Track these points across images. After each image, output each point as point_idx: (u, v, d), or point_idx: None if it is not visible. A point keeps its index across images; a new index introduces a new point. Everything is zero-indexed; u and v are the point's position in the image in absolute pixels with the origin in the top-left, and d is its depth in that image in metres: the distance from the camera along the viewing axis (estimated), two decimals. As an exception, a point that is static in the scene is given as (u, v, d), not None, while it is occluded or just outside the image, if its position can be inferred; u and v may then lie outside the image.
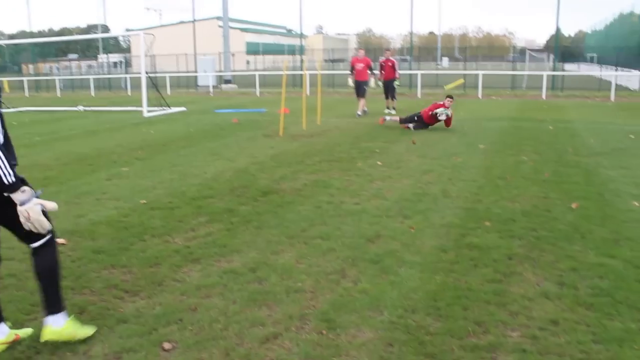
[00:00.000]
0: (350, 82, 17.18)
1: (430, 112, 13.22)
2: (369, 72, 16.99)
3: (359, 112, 16.82)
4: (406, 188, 7.37)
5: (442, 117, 13.14)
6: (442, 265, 4.67)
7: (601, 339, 3.44)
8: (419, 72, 28.43)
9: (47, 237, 3.40)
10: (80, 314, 3.91)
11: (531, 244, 5.16)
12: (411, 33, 33.85)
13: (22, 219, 3.19)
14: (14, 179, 3.11)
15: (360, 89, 16.98)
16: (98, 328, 3.69)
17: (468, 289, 4.18)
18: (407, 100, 23.89)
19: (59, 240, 5.42)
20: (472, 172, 8.35)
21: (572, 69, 50.61)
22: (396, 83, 18.00)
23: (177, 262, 4.85)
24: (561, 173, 8.19)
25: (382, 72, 17.93)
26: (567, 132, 12.70)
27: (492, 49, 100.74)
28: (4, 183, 3.09)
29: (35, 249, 3.41)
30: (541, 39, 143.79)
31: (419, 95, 26.09)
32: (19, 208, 3.17)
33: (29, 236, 3.35)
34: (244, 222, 5.93)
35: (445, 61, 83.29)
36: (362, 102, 16.95)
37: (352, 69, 17.05)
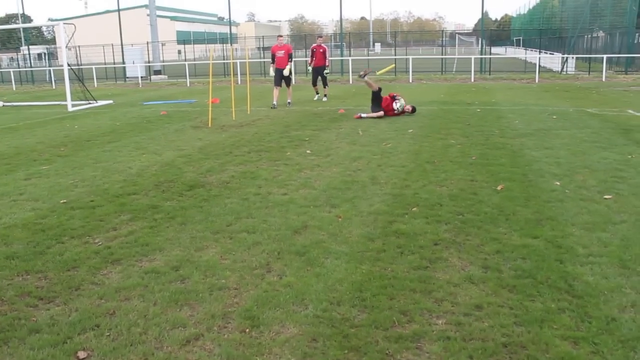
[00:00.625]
0: (272, 70, 16.54)
1: (392, 109, 13.13)
2: (289, 60, 16.29)
3: (275, 103, 16.00)
4: (335, 176, 7.33)
5: (408, 109, 13.15)
6: (368, 254, 4.64)
7: (523, 321, 3.48)
8: (351, 59, 28.53)
9: None
10: (-11, 326, 3.69)
11: (457, 228, 5.21)
12: (340, 19, 33.89)
13: None
14: None
15: (280, 77, 16.33)
16: (7, 340, 3.49)
17: (394, 277, 4.16)
18: (339, 86, 23.95)
19: (-31, 247, 5.13)
20: (401, 157, 8.39)
21: (499, 52, 51.90)
22: (326, 71, 17.88)
23: (96, 264, 4.65)
24: (488, 155, 8.32)
25: (313, 58, 17.83)
26: (494, 114, 12.97)
27: (423, 33, 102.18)
28: None
29: None
30: (470, 23, 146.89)
31: (350, 81, 26.18)
32: None
33: None
34: (168, 219, 5.75)
35: (377, 47, 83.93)
36: (276, 92, 16.24)
37: (273, 57, 16.40)
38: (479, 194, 6.30)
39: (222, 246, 4.94)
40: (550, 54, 32.85)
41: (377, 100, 13.18)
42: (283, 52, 16.20)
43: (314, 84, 18.06)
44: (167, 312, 3.76)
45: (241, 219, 5.65)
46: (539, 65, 26.29)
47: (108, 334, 3.52)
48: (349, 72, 27.09)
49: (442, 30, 51.47)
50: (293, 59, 17.05)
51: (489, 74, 28.05)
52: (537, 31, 37.91)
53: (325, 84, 17.88)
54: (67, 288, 4.22)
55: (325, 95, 17.78)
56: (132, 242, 5.13)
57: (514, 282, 4.01)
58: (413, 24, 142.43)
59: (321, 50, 17.79)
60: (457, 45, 45.98)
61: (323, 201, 6.19)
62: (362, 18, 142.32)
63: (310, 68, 17.86)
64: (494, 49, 49.34)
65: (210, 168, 8.07)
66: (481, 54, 31.20)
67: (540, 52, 32.08)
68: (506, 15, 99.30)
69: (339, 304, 3.77)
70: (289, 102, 16.50)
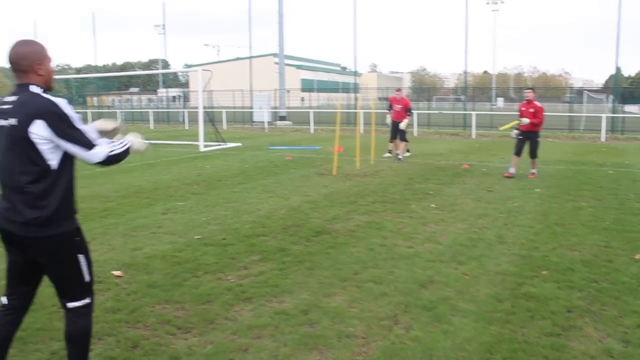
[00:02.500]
0: (389, 120, 15.95)
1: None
2: (407, 113, 15.60)
3: (399, 156, 15.49)
4: (460, 232, 7.26)
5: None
6: (497, 315, 4.55)
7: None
8: (474, 113, 28.24)
9: (85, 300, 3.28)
10: (133, 349, 3.98)
11: (592, 297, 4.99)
12: (465, 72, 33.77)
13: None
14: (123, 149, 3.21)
15: (395, 130, 15.73)
16: (151, 365, 3.74)
17: (525, 342, 4.05)
18: (461, 141, 23.75)
19: (116, 273, 5.57)
20: (528, 217, 8.17)
21: (633, 110, 49.36)
22: (402, 125, 15.75)
23: (229, 300, 4.88)
24: (623, 221, 7.92)
25: (391, 111, 16.27)
26: (628, 177, 12.34)
27: (548, 89, 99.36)
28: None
29: (70, 309, 3.26)
30: (599, 79, 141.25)
31: (473, 135, 25.87)
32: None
33: (66, 294, 3.25)
34: (296, 262, 5.94)
35: (500, 101, 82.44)
36: (401, 145, 15.79)
37: (390, 106, 15.93)
38: (615, 262, 6.00)
39: (349, 294, 5.02)
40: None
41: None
42: (400, 106, 15.63)
43: (393, 139, 16.38)
44: (297, 355, 3.87)
45: (367, 269, 5.73)
46: (679, 128, 24.74)
47: (242, 369, 3.68)
48: (471, 126, 26.79)
49: (570, 87, 49.85)
50: (412, 113, 16.40)
51: (622, 134, 26.72)
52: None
53: (403, 139, 16.34)
54: (203, 320, 4.46)
55: (408, 151, 16.82)
56: (263, 282, 5.34)
57: (657, 360, 3.79)
58: (538, 79, 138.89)
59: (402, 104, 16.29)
60: (585, 102, 44.20)
61: (449, 257, 6.15)
62: (485, 72, 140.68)
63: (389, 121, 16.11)
64: (627, 107, 47.01)
65: (336, 215, 8.25)
66: (613, 112, 29.86)
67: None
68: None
69: (468, 364, 3.72)
70: (398, 156, 15.57)
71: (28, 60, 3.08)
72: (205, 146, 19.29)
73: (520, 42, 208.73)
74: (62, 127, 2.98)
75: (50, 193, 3.05)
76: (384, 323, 4.39)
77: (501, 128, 17.22)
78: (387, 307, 4.71)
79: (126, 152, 3.20)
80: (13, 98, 3.07)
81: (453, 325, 4.33)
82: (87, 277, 3.25)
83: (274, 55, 69.07)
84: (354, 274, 5.56)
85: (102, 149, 3.08)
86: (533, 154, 12.49)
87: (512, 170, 12.42)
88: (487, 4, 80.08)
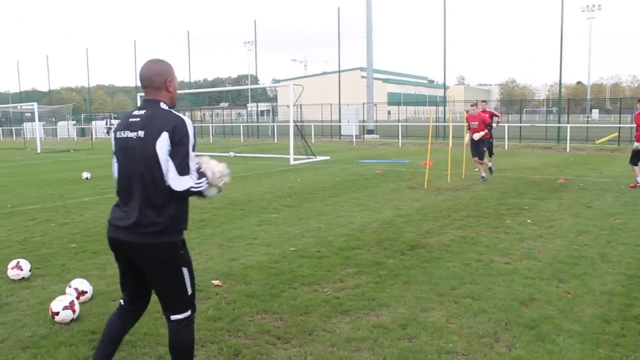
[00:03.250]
0: (467, 138, 14.55)
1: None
2: (487, 128, 14.12)
3: (483, 175, 14.06)
4: (560, 249, 7.02)
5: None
6: (605, 337, 4.36)
7: None
8: (569, 125, 27.27)
9: (187, 313, 3.34)
10: (236, 357, 4.09)
11: None
12: (560, 83, 32.67)
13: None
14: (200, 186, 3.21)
15: (476, 147, 14.24)
16: (254, 373, 3.83)
17: (637, 366, 3.87)
18: (556, 154, 22.98)
19: (215, 282, 5.75)
20: (634, 235, 7.78)
21: None
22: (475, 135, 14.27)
23: (327, 313, 4.93)
24: None
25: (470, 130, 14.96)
26: None
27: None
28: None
29: (173, 322, 3.33)
30: None
31: (567, 149, 24.96)
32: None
33: (170, 306, 3.33)
34: (392, 276, 5.93)
35: (595, 113, 79.20)
36: (478, 164, 14.31)
37: (469, 125, 14.36)
38: None
39: (447, 309, 4.96)
40: None
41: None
42: (477, 123, 14.02)
43: (474, 154, 14.70)
44: (398, 369, 3.86)
45: (465, 284, 5.64)
46: None
47: (343, 381, 3.71)
48: (566, 139, 25.85)
49: (674, 99, 47.11)
50: (494, 126, 14.90)
51: None
52: None
53: (491, 153, 15.68)
54: (302, 332, 4.53)
55: (490, 168, 15.19)
56: (359, 295, 5.36)
57: None
58: (637, 89, 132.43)
59: (487, 116, 15.03)
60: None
61: (549, 275, 5.95)
62: (579, 83, 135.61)
63: (467, 140, 14.74)
64: None
65: (430, 230, 8.17)
66: None
67: None
68: None
69: (577, 386, 3.59)
70: (485, 176, 14.07)
71: (162, 77, 3.27)
72: (295, 159, 19.61)
73: (617, 51, 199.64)
74: (179, 141, 3.12)
75: (166, 206, 3.17)
76: (484, 340, 4.31)
77: (598, 142, 16.55)
78: (486, 324, 4.62)
79: (200, 193, 3.22)
80: (142, 112, 3.24)
81: (558, 346, 4.19)
82: (189, 290, 3.32)
83: (361, 69, 69.40)
84: (451, 289, 5.49)
85: (189, 181, 3.14)
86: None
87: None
88: (583, 11, 77.44)
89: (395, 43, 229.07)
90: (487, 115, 15.95)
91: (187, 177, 3.12)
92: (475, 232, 8.04)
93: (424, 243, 7.37)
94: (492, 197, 11.18)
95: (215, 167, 3.27)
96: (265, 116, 67.28)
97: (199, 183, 3.17)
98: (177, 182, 3.11)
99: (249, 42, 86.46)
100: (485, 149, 14.37)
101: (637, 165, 12.58)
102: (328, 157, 21.44)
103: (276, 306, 5.12)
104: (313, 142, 31.66)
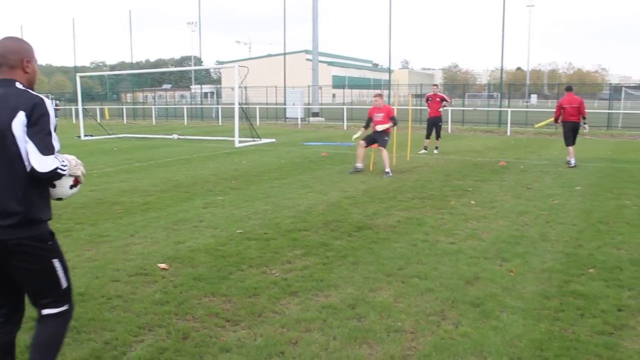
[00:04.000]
0: (358, 134, 13.26)
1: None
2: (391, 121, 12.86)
3: (358, 165, 12.87)
4: (502, 229, 7.20)
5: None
6: (546, 312, 4.51)
7: None
8: (509, 110, 27.92)
9: (64, 307, 3.09)
10: (184, 340, 4.04)
11: (643, 296, 4.90)
12: (502, 69, 33.37)
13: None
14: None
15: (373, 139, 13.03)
16: (202, 355, 3.80)
17: (576, 339, 4.01)
18: (497, 137, 23.52)
19: (161, 265, 5.65)
20: (571, 215, 8.06)
21: (673, 108, 48.21)
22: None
23: (276, 294, 4.92)
24: (670, 220, 7.77)
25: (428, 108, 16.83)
26: (672, 176, 12.07)
27: (584, 85, 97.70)
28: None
29: (46, 316, 3.05)
30: (637, 75, 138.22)
31: (508, 133, 25.58)
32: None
33: (41, 301, 3.05)
34: (339, 257, 5.96)
35: (533, 98, 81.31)
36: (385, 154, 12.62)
37: (369, 120, 13.21)
38: (664, 261, 5.89)
39: (395, 289, 5.03)
40: None
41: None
42: (382, 114, 12.89)
43: (428, 136, 16.86)
44: (347, 348, 3.89)
45: (411, 264, 5.72)
46: None
47: (293, 362, 3.71)
48: (507, 123, 26.48)
49: (609, 83, 48.96)
50: (396, 122, 13.06)
51: (662, 132, 26.17)
52: None
53: (438, 136, 16.89)
54: (251, 313, 4.51)
55: (436, 148, 16.81)
56: (307, 276, 5.36)
57: None
58: (573, 76, 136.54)
59: (438, 99, 16.79)
60: (622, 99, 43.33)
61: (493, 254, 6.10)
62: (518, 68, 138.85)
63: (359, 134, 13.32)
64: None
65: (376, 211, 8.25)
66: (653, 111, 29.25)
67: None
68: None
69: (520, 361, 3.70)
70: (359, 166, 12.88)
71: (17, 55, 2.96)
72: (240, 142, 19.44)
73: (555, 38, 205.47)
74: (37, 121, 2.81)
75: (27, 193, 2.87)
76: (431, 318, 4.39)
77: (536, 125, 17.04)
78: (433, 303, 4.70)
79: (61, 176, 2.93)
80: None
81: (502, 322, 4.30)
82: (64, 284, 3.06)
83: (306, 51, 69.16)
84: (399, 269, 5.56)
85: (55, 162, 2.81)
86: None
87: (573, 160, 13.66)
88: (523, -1, 79.12)
89: (340, 26, 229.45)
90: (438, 99, 16.45)
91: (51, 156, 2.79)
92: (420, 213, 8.16)
93: (370, 224, 7.43)
94: (437, 179, 11.36)
95: (69, 157, 3.02)
96: (209, 98, 66.48)
97: (65, 165, 2.87)
98: (41, 163, 2.76)
99: (192, 22, 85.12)
100: (386, 139, 12.91)
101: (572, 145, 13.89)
102: (273, 140, 21.34)
103: (224, 288, 5.07)
104: (258, 124, 31.46)
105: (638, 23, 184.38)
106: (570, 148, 13.95)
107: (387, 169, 12.24)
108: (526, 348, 3.87)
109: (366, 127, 13.29)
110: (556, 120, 14.65)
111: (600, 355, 3.79)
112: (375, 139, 12.90)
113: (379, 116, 12.94)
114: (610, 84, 49.11)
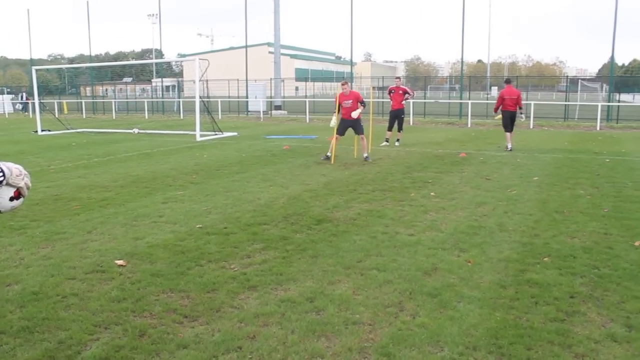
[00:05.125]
0: (333, 121, 13.62)
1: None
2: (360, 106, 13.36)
3: (328, 154, 13.35)
4: (461, 220, 7.29)
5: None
6: (502, 301, 4.58)
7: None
8: (470, 102, 28.25)
9: None
10: (141, 337, 3.98)
11: (594, 283, 5.02)
12: (462, 62, 33.74)
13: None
14: None
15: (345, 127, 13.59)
16: (159, 352, 3.75)
17: (530, 327, 4.08)
18: (458, 129, 23.78)
19: (119, 262, 5.57)
20: (528, 205, 8.21)
21: (627, 99, 49.42)
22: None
23: (234, 289, 4.89)
24: (622, 208, 7.97)
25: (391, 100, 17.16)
26: (625, 165, 12.39)
27: (543, 78, 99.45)
28: None
29: None
30: (593, 68, 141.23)
31: (469, 124, 25.89)
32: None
33: None
34: (299, 251, 5.95)
35: (494, 90, 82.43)
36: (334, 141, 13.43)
37: (339, 107, 13.43)
38: (615, 249, 6.04)
39: (353, 282, 5.05)
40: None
41: None
42: (351, 101, 13.25)
43: (390, 128, 17.04)
44: (305, 342, 3.89)
45: (371, 257, 5.75)
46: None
47: (250, 356, 3.69)
48: (467, 115, 26.80)
49: (566, 76, 49.99)
50: (365, 105, 13.59)
51: (617, 122, 26.82)
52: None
53: (400, 129, 17.08)
54: (209, 309, 4.47)
55: (398, 140, 17.00)
56: (267, 270, 5.35)
57: (663, 346, 3.82)
58: (532, 68, 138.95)
59: (400, 92, 16.96)
60: (579, 91, 44.22)
61: (451, 245, 6.18)
62: (479, 61, 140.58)
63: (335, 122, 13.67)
64: (622, 96, 47.16)
65: (337, 204, 8.26)
66: (609, 101, 29.92)
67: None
68: (635, 60, 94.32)
69: (475, 349, 3.75)
70: (365, 157, 13.43)
71: None
72: (202, 136, 19.28)
73: (515, 31, 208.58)
74: None
75: None
76: (389, 310, 4.42)
77: (496, 117, 17.27)
78: (392, 294, 4.73)
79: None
80: None
81: (458, 312, 4.36)
82: None
83: (269, 44, 68.73)
84: (358, 262, 5.58)
85: None
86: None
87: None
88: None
89: (303, 19, 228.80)
90: (401, 92, 16.58)
91: None
92: (381, 205, 8.21)
93: (330, 217, 7.44)
94: (398, 171, 11.44)
95: (11, 165, 2.79)
96: (171, 92, 65.62)
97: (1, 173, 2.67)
98: None
99: (153, 14, 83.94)
100: (362, 125, 13.51)
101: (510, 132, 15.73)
102: (235, 133, 21.20)
103: (182, 284, 5.02)
104: (220, 118, 31.19)
105: (594, 18, 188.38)
106: (508, 134, 15.71)
107: (366, 154, 13.32)
108: (482, 337, 3.93)
109: (338, 111, 13.50)
110: (496, 110, 16.31)
111: (552, 342, 3.86)
112: (351, 127, 13.45)
113: (347, 103, 13.27)
114: (567, 76, 50.09)
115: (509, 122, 15.70)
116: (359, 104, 13.25)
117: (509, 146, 15.39)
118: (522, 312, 4.36)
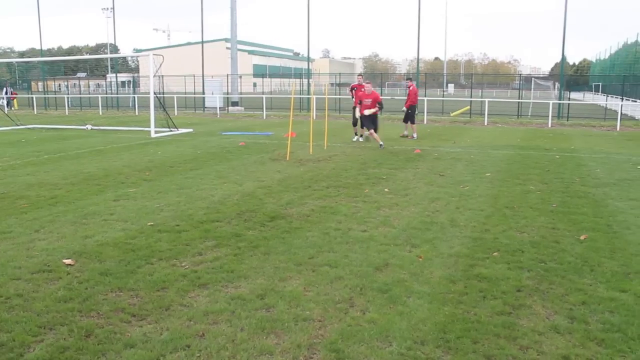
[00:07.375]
0: (357, 113, 16.00)
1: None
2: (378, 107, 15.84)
3: (381, 143, 15.37)
4: (414, 216, 7.36)
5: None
6: (451, 296, 4.64)
7: (613, 376, 3.40)
8: (426, 99, 28.55)
9: None
10: (87, 338, 3.90)
11: (540, 276, 5.14)
12: (418, 59, 34.06)
13: None
14: None
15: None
16: (105, 352, 3.68)
17: (477, 321, 4.15)
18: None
19: (67, 261, 5.45)
20: (480, 200, 8.34)
21: (577, 97, 50.72)
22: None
23: (185, 287, 4.83)
24: (569, 203, 8.17)
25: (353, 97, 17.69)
26: (573, 161, 12.71)
27: (498, 76, 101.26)
28: None
29: None
30: (546, 67, 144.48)
31: (425, 121, 26.16)
32: None
33: None
34: (251, 248, 5.92)
35: (451, 87, 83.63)
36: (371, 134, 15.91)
37: (360, 102, 15.84)
38: (561, 243, 6.20)
39: (305, 278, 5.04)
40: (633, 101, 31.83)
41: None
42: (371, 100, 15.61)
43: (355, 124, 17.44)
44: (254, 339, 3.87)
45: (323, 253, 5.76)
46: (621, 113, 25.56)
47: (198, 354, 3.66)
48: (423, 112, 27.08)
49: (520, 74, 51.03)
50: (382, 107, 16.23)
51: (567, 120, 27.49)
52: (619, 77, 36.88)
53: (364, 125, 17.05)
54: (158, 307, 4.41)
55: (361, 136, 17.22)
56: (218, 267, 5.30)
57: (602, 336, 3.93)
58: (487, 66, 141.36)
59: (369, 101, 16.72)
60: (532, 89, 45.30)
61: (403, 240, 6.23)
62: (436, 58, 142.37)
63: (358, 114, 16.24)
64: (572, 95, 48.38)
65: (290, 201, 8.25)
66: (560, 99, 30.64)
67: (622, 99, 31.13)
68: (585, 60, 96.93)
69: (423, 344, 3.79)
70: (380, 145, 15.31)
71: None
72: (157, 132, 19.01)
73: (471, 29, 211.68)
74: None
75: None
76: (340, 306, 4.43)
77: (452, 114, 17.52)
78: (342, 290, 4.75)
79: None
80: None
81: (408, 307, 4.40)
82: None
83: (226, 40, 68.31)
84: (310, 258, 5.58)
85: None
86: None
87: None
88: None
89: (261, 15, 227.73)
90: (371, 100, 16.80)
91: None
92: (334, 201, 8.23)
93: (284, 214, 7.43)
94: (353, 168, 11.49)
95: None
96: (126, 87, 64.60)
97: None
98: None
99: (107, 8, 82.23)
100: (372, 120, 15.65)
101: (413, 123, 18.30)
102: (191, 130, 20.97)
103: (132, 283, 4.94)
104: (176, 114, 30.83)
105: (548, 18, 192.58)
106: (415, 126, 18.35)
107: (381, 142, 15.24)
108: (430, 331, 3.97)
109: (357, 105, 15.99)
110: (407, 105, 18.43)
111: (498, 335, 3.93)
112: (362, 121, 15.88)
113: (367, 101, 15.61)
114: (521, 74, 51.11)
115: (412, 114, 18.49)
116: (377, 104, 15.58)
117: (415, 136, 18.03)
118: (470, 307, 4.43)
